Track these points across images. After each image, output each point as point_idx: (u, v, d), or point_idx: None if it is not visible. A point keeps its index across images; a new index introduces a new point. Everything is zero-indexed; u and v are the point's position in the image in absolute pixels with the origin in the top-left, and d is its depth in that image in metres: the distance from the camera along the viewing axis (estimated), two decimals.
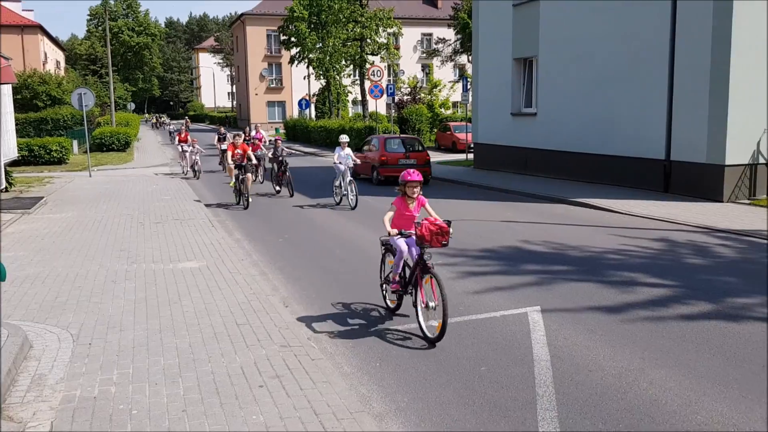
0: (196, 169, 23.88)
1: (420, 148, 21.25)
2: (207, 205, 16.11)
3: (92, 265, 9.40)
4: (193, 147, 23.88)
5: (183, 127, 27.06)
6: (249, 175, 16.31)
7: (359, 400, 4.97)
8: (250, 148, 18.92)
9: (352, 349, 6.28)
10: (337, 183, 16.41)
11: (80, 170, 26.10)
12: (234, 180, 16.62)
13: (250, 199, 16.30)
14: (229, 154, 16.57)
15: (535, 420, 4.73)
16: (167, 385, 5.14)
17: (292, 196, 17.97)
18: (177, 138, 26.01)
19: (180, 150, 25.46)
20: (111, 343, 6.10)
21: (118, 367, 5.51)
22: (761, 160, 15.05)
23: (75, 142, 34.55)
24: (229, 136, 26.64)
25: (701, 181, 15.36)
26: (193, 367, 5.50)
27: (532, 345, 6.22)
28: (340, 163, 16.14)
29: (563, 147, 19.90)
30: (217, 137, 26.99)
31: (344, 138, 16.62)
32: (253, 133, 25.24)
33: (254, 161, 17.11)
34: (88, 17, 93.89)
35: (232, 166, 16.47)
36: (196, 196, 17.63)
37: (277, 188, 18.92)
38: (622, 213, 13.96)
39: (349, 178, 15.81)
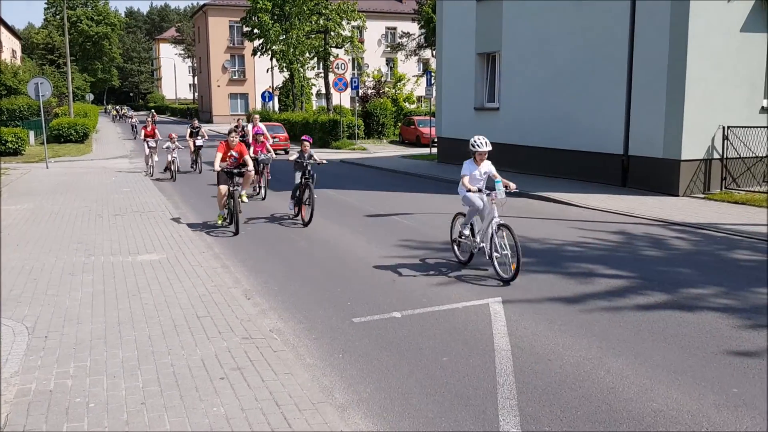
0: (172, 168, 20.42)
1: (282, 132, 32.45)
2: (190, 226, 12.05)
3: (49, 258, 9.20)
4: (171, 143, 20.65)
5: (149, 120, 22.55)
6: (250, 175, 12.00)
7: (321, 391, 4.97)
8: (251, 149, 15.79)
9: (315, 341, 6.28)
10: (468, 226, 8.93)
11: (37, 162, 25.50)
12: (224, 204, 11.82)
13: (241, 217, 11.86)
14: (218, 157, 11.63)
15: (496, 408, 4.79)
16: (126, 377, 5.07)
17: (307, 224, 12.22)
18: (142, 132, 21.91)
19: (146, 147, 21.51)
20: (68, 336, 5.98)
21: (75, 360, 5.41)
22: (715, 156, 15.44)
23: (31, 133, 33.71)
24: (204, 130, 22.99)
25: (658, 175, 15.69)
26: (153, 359, 5.43)
27: (493, 335, 6.30)
28: (479, 190, 8.48)
29: (525, 141, 20.11)
30: (189, 131, 22.81)
31: (484, 144, 8.61)
32: (249, 127, 19.16)
33: (251, 169, 12.09)
34: (46, 6, 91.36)
35: (222, 189, 11.58)
36: (174, 213, 13.33)
37: (295, 209, 12.75)
38: (581, 206, 14.19)
39: (496, 219, 8.31)
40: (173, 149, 20.72)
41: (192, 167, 22.62)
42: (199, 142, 22.39)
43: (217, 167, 11.49)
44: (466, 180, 8.52)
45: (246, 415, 4.44)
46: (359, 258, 9.71)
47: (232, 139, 11.99)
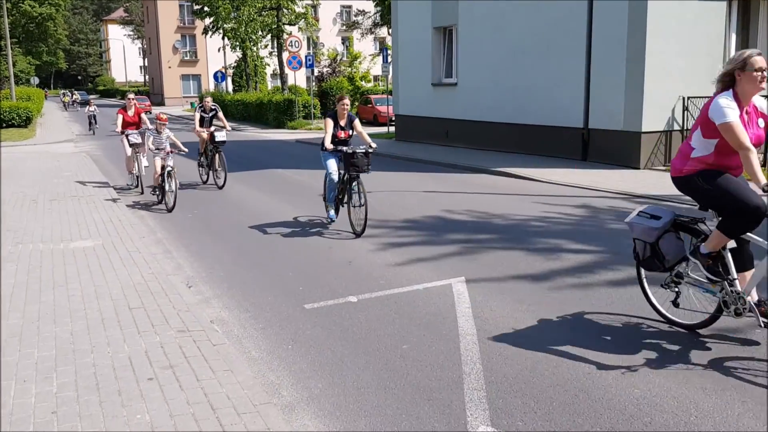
0: (167, 187, 11.24)
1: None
2: None
3: None
4: (159, 134, 11.74)
5: (132, 101, 13.48)
6: None
7: (266, 390, 4.38)
8: None
9: (261, 331, 5.67)
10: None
11: None
12: None
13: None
14: None
15: (462, 402, 4.26)
16: (38, 382, 4.39)
17: None
18: (120, 119, 13.16)
19: (128, 143, 12.99)
20: None
21: None
22: (675, 127, 15.21)
23: None
24: (221, 113, 14.19)
25: (618, 148, 15.40)
26: (72, 359, 4.76)
27: (457, 318, 5.78)
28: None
29: (484, 117, 19.66)
30: (199, 116, 14.03)
31: None
32: None
33: None
34: None
35: None
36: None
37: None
38: (543, 181, 13.79)
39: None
40: (166, 148, 11.64)
41: (202, 178, 14.37)
42: (220, 136, 13.37)
43: None
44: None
45: (174, 422, 3.82)
46: (313, 239, 9.11)
47: None
